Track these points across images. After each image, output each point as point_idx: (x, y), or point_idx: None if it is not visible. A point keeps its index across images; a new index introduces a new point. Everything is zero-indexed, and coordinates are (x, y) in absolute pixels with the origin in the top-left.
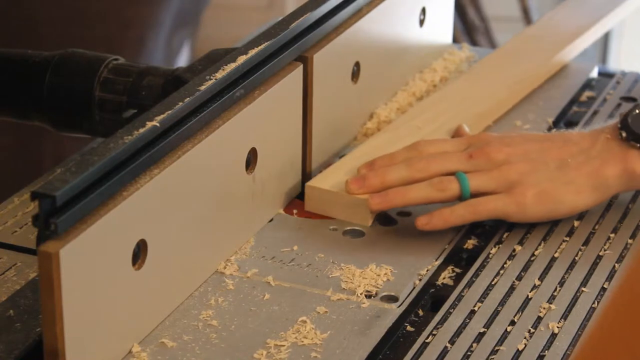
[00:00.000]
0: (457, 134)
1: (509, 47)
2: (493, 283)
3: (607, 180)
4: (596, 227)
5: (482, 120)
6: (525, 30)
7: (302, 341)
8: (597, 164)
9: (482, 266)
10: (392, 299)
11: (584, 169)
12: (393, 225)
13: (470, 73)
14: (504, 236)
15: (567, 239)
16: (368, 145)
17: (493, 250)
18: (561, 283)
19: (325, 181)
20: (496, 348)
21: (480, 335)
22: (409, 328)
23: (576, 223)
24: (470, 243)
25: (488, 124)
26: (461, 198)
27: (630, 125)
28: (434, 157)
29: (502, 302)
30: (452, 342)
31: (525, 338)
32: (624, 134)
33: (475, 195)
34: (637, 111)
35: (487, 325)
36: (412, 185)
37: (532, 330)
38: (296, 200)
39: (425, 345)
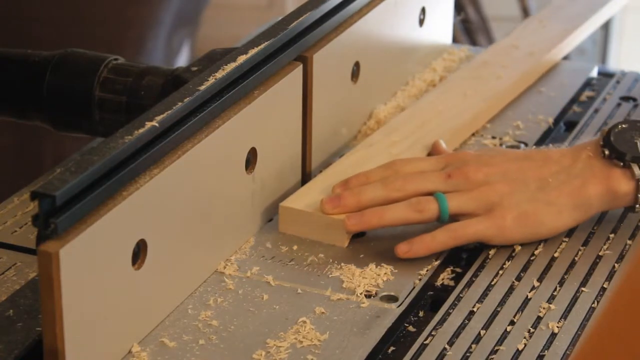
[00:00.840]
0: (434, 150)
1: (486, 57)
2: (493, 283)
3: (589, 200)
4: (596, 227)
5: (459, 134)
6: (502, 40)
7: (302, 341)
8: (578, 183)
9: (482, 266)
10: (391, 299)
11: (565, 189)
12: None
13: (446, 84)
14: None
15: (567, 239)
16: (342, 163)
17: (492, 251)
18: (561, 283)
19: (299, 201)
20: (496, 348)
21: (480, 335)
22: (408, 328)
23: None
24: (470, 243)
25: (465, 138)
26: (439, 219)
27: (612, 143)
28: (411, 176)
29: (502, 302)
30: (452, 341)
31: (525, 338)
32: (606, 152)
33: (454, 216)
34: (619, 127)
35: (487, 325)
36: (389, 205)
37: (532, 330)
38: None
39: (425, 345)
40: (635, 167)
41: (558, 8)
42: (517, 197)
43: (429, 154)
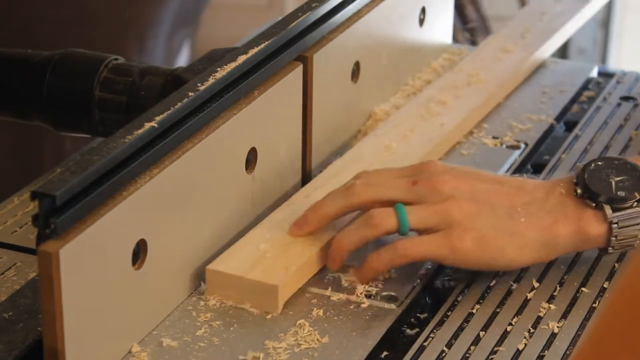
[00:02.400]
0: None
1: (433, 92)
2: (492, 284)
3: (557, 240)
4: None
5: None
6: (447, 73)
7: (301, 342)
8: (549, 221)
9: None
10: (392, 299)
11: (534, 222)
12: None
13: (389, 124)
14: None
15: None
16: (273, 219)
17: None
18: (561, 283)
19: (228, 263)
20: (496, 348)
21: (480, 335)
22: (408, 328)
23: None
24: None
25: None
26: (399, 232)
27: (586, 181)
28: (375, 181)
29: (502, 303)
30: (451, 342)
31: (525, 338)
32: (579, 191)
33: (414, 229)
34: (594, 165)
35: (487, 325)
36: (344, 229)
37: (532, 330)
38: None
39: (425, 345)
40: (607, 209)
41: (512, 33)
42: (482, 220)
43: None
